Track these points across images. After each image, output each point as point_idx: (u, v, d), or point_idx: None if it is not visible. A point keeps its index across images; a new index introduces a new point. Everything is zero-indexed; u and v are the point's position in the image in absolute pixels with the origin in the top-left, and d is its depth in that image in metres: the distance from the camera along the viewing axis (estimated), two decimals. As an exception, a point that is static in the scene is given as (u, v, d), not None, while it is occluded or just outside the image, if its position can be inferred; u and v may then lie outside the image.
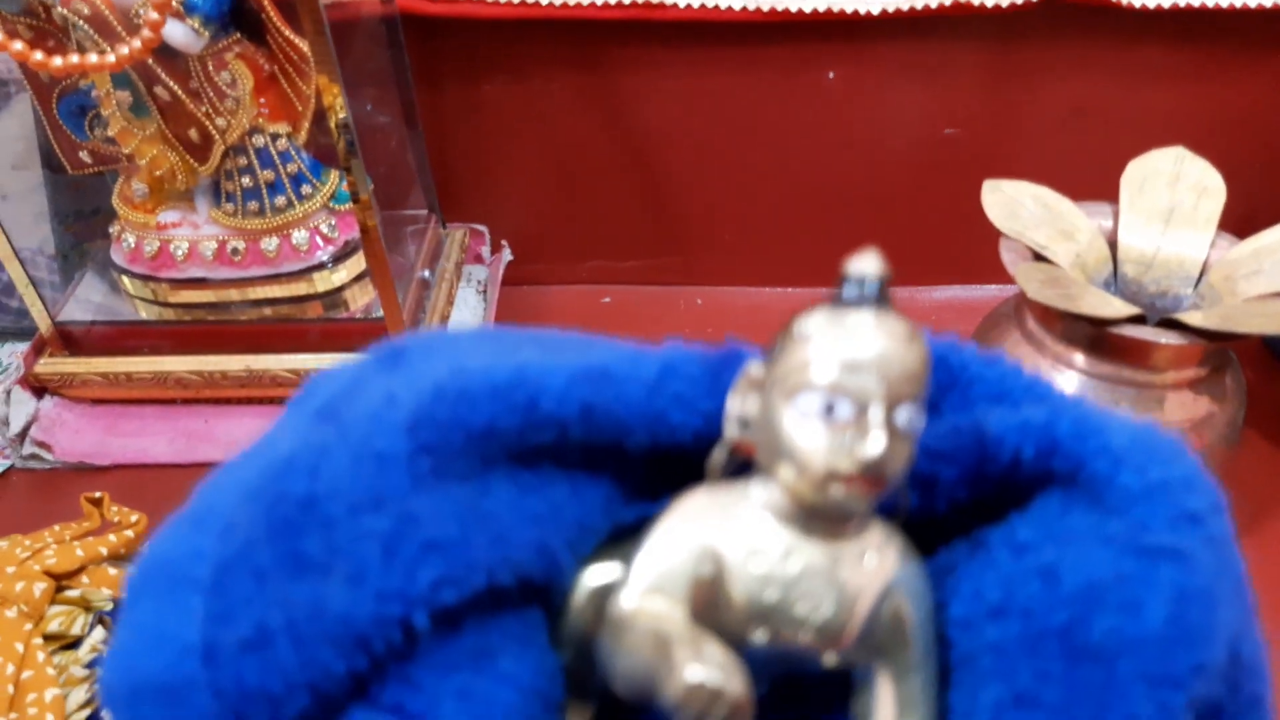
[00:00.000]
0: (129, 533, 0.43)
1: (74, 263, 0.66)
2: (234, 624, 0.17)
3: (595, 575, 0.22)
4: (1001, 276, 0.45)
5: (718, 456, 0.21)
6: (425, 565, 0.18)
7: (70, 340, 0.55)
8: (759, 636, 0.20)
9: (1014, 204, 0.46)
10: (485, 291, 0.64)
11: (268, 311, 0.55)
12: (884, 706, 0.21)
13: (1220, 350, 0.43)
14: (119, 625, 0.18)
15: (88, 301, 0.57)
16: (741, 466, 0.21)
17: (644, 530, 0.21)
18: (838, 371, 0.19)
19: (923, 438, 0.22)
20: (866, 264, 0.21)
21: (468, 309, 0.62)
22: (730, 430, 0.21)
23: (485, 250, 0.66)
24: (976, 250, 0.61)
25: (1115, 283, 0.47)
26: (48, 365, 0.55)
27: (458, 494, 0.19)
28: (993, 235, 0.46)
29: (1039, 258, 0.45)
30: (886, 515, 0.22)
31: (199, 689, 0.17)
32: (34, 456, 0.54)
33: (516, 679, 0.19)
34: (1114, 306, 0.41)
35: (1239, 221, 0.47)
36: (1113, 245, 0.47)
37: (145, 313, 0.56)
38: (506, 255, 0.65)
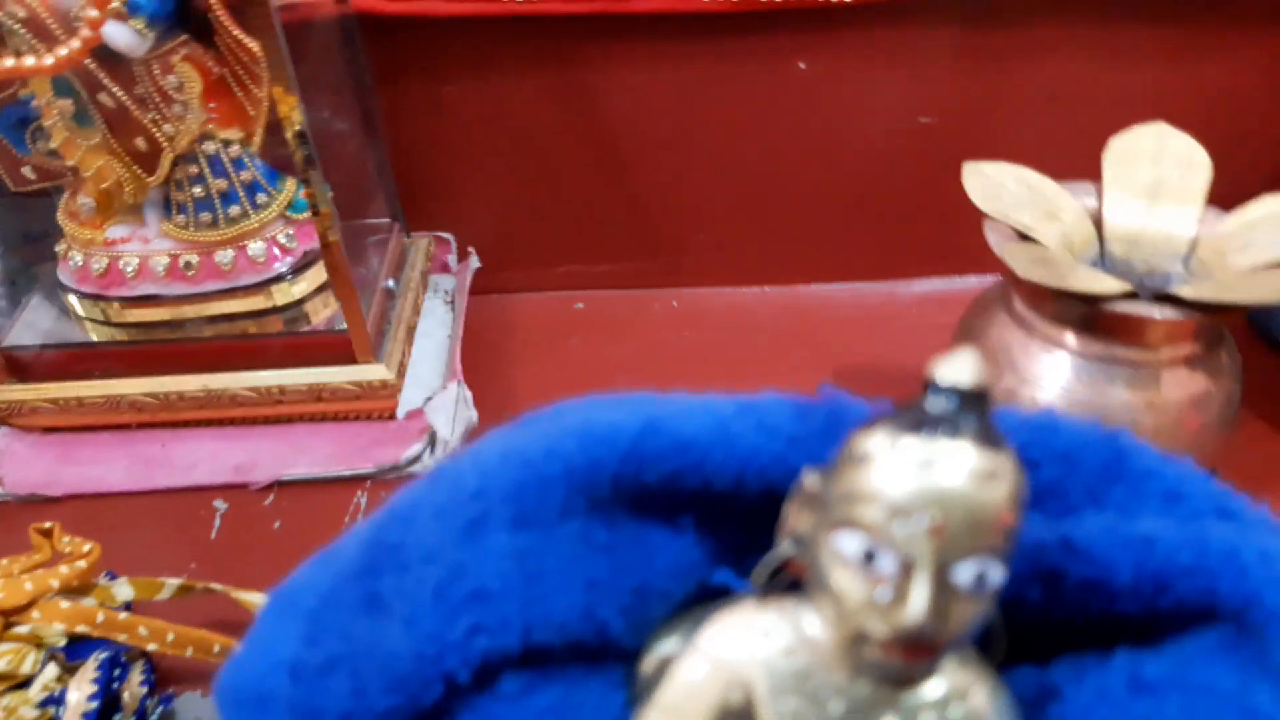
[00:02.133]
0: (81, 563, 0.41)
1: (22, 288, 0.63)
2: (317, 650, 0.20)
3: (667, 645, 0.20)
4: (984, 266, 0.44)
5: (762, 571, 0.19)
6: (466, 613, 0.19)
7: (17, 366, 0.53)
8: None
9: (996, 186, 0.45)
10: (453, 301, 0.62)
11: (225, 328, 0.53)
12: None
13: (1215, 325, 0.42)
14: (245, 637, 0.21)
15: (35, 326, 0.54)
16: (796, 582, 0.19)
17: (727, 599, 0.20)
18: (883, 514, 0.16)
19: (1074, 537, 0.19)
20: (959, 369, 0.17)
21: (435, 320, 0.60)
22: (783, 546, 0.19)
23: (452, 259, 0.64)
24: (958, 241, 0.60)
25: (1103, 262, 0.45)
26: (-6, 393, 0.53)
27: (524, 551, 0.20)
28: (974, 224, 0.44)
29: (1024, 239, 0.44)
30: (979, 647, 0.18)
31: (281, 702, 0.19)
32: (-18, 489, 0.52)
33: (601, 711, 0.20)
34: (1106, 283, 0.39)
35: (1224, 198, 0.46)
36: (1098, 224, 0.46)
37: (96, 334, 0.53)
38: (474, 263, 0.63)
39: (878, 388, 0.39)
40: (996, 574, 0.16)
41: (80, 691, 0.35)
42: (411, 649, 0.19)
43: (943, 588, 0.16)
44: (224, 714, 0.20)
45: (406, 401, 0.54)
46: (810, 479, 0.18)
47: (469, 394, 0.54)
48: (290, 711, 0.19)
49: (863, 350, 0.60)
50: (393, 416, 0.53)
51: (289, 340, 0.52)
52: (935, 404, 0.17)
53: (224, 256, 0.51)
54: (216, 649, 0.40)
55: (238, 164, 0.50)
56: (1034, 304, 0.43)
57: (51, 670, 0.37)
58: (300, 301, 0.53)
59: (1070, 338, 0.42)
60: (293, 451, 0.52)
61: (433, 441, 0.52)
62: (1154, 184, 0.45)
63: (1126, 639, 0.19)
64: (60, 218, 0.52)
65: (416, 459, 0.51)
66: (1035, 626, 0.20)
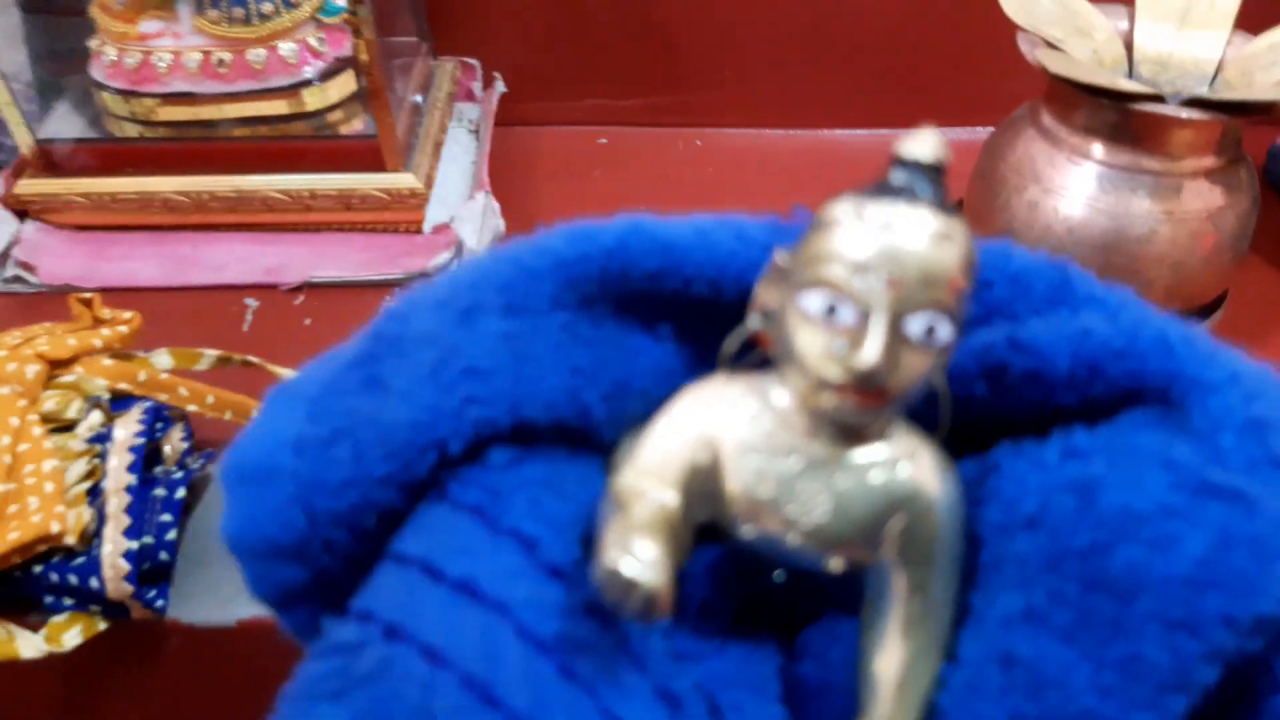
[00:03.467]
0: (123, 328, 0.42)
1: (51, 99, 0.64)
2: (320, 425, 0.20)
3: (634, 436, 0.21)
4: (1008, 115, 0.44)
5: (730, 344, 0.21)
6: (459, 387, 0.20)
7: (51, 161, 0.53)
8: (747, 531, 0.20)
9: (1030, 2, 0.45)
10: (478, 130, 0.62)
11: (257, 130, 0.53)
12: (893, 619, 0.19)
13: (1237, 141, 0.42)
14: (248, 424, 0.22)
15: (69, 120, 0.55)
16: (767, 359, 0.20)
17: None
18: (846, 270, 0.18)
19: (1018, 335, 0.20)
20: (920, 145, 0.18)
21: (460, 146, 0.61)
22: (751, 320, 0.20)
23: (477, 86, 0.64)
24: (985, 91, 0.60)
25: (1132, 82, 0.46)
26: (29, 186, 0.53)
27: (514, 334, 0.21)
28: (1001, 74, 0.44)
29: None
30: (923, 423, 0.20)
31: (284, 474, 0.20)
32: (17, 279, 0.53)
33: (578, 499, 0.21)
34: (1135, 85, 0.40)
35: (1252, 23, 0.46)
36: (1129, 47, 0.46)
37: (129, 131, 0.54)
38: (500, 88, 0.63)
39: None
40: (945, 329, 0.18)
41: (127, 430, 0.37)
42: (408, 419, 0.20)
43: (895, 336, 0.18)
44: (229, 491, 0.21)
45: (433, 218, 0.55)
46: (781, 254, 0.20)
47: (496, 205, 0.54)
48: (294, 482, 0.20)
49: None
50: (419, 229, 0.54)
51: (321, 144, 0.53)
52: (898, 176, 0.18)
53: (256, 55, 0.51)
54: (255, 413, 0.41)
55: (272, -40, 0.50)
56: (1062, 115, 0.43)
57: (96, 416, 0.38)
58: (330, 108, 0.54)
59: (1097, 148, 0.42)
60: (322, 257, 0.53)
61: (460, 251, 0.53)
62: (1184, 7, 0.46)
63: (1064, 426, 0.20)
64: (93, 10, 0.52)
65: (444, 267, 0.53)
66: (982, 423, 0.21)
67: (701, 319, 0.22)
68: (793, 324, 0.18)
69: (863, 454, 0.19)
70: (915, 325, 0.18)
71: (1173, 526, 0.17)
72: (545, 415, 0.21)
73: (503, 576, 0.19)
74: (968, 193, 0.49)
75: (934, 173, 0.18)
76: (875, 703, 0.19)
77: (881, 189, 0.18)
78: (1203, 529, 0.17)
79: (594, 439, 0.22)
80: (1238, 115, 0.39)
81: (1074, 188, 0.43)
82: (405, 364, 0.21)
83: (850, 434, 0.19)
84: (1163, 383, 0.19)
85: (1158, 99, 0.40)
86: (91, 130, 0.54)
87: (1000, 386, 0.21)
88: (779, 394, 0.19)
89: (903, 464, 0.19)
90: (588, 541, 0.20)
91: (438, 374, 0.20)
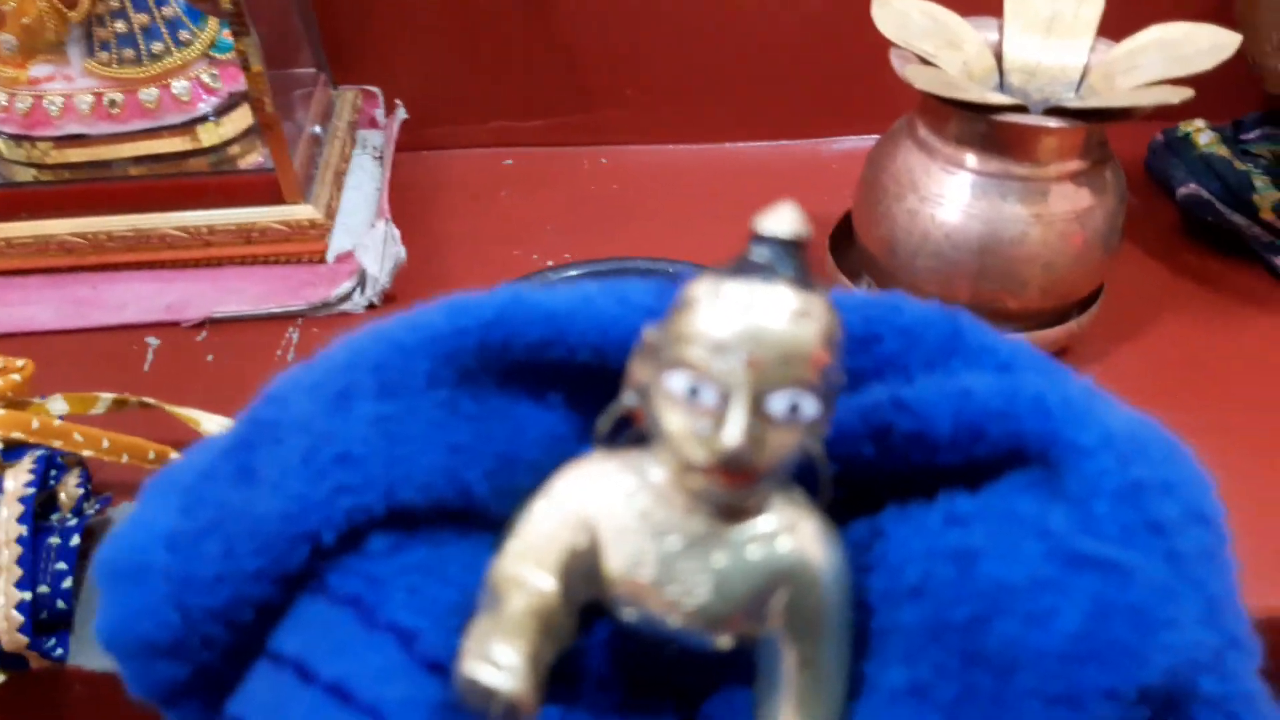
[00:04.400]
0: (15, 376, 0.42)
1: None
2: (192, 519, 0.20)
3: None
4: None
5: (604, 422, 0.20)
6: (330, 475, 0.20)
7: (-57, 208, 0.53)
8: (629, 614, 0.19)
9: (903, 17, 0.47)
10: (381, 156, 0.63)
11: (153, 169, 0.53)
12: (786, 695, 0.19)
13: (1101, 144, 0.44)
14: (124, 521, 0.21)
15: (-42, 168, 0.54)
16: (641, 437, 0.20)
17: None
18: (706, 351, 0.18)
19: (901, 395, 0.20)
20: (778, 221, 0.19)
21: (364, 174, 0.61)
22: (627, 397, 0.20)
23: (379, 114, 0.64)
24: (878, 101, 0.62)
25: (1002, 91, 0.48)
26: (-80, 234, 0.53)
27: (388, 416, 0.20)
28: (892, 85, 0.46)
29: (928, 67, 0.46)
30: (808, 491, 0.20)
31: (156, 570, 0.20)
32: (-89, 329, 0.52)
33: (461, 583, 0.20)
34: (999, 98, 0.41)
35: (1115, 30, 0.48)
36: (998, 57, 0.48)
37: (23, 175, 0.53)
38: (401, 114, 0.64)
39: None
40: (809, 406, 0.18)
41: (17, 480, 0.36)
42: (278, 511, 0.20)
43: (759, 415, 0.18)
44: (102, 588, 0.21)
45: (337, 246, 0.55)
46: (650, 332, 0.20)
47: (397, 232, 0.55)
48: (166, 580, 0.20)
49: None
50: (322, 259, 0.55)
51: (217, 180, 0.53)
52: (757, 253, 0.18)
53: (148, 94, 0.51)
54: (152, 455, 0.41)
55: (159, -1, 0.50)
56: (936, 128, 0.45)
57: (-11, 471, 0.38)
58: (227, 144, 0.54)
59: (969, 157, 0.44)
60: (224, 292, 0.53)
61: (363, 280, 0.53)
62: (1050, 17, 0.47)
63: (949, 488, 0.20)
64: (-20, 56, 0.52)
65: (347, 296, 0.53)
66: (869, 485, 0.21)
67: (591, 385, 0.22)
68: (660, 404, 0.18)
69: (742, 530, 0.19)
70: (778, 404, 0.18)
71: (1047, 599, 0.17)
72: (422, 497, 0.20)
73: (377, 677, 0.19)
74: (855, 201, 0.51)
75: (793, 248, 0.19)
76: None
77: (741, 267, 0.18)
78: (1077, 601, 0.17)
79: (481, 516, 0.21)
80: (1098, 121, 0.41)
81: (949, 196, 0.44)
82: (278, 452, 0.20)
83: (728, 511, 0.19)
84: (1041, 445, 0.19)
85: (1021, 109, 0.42)
86: (-17, 176, 0.53)
87: (886, 447, 0.20)
88: (655, 471, 0.19)
89: (783, 537, 0.19)
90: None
91: (308, 462, 0.20)
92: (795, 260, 0.19)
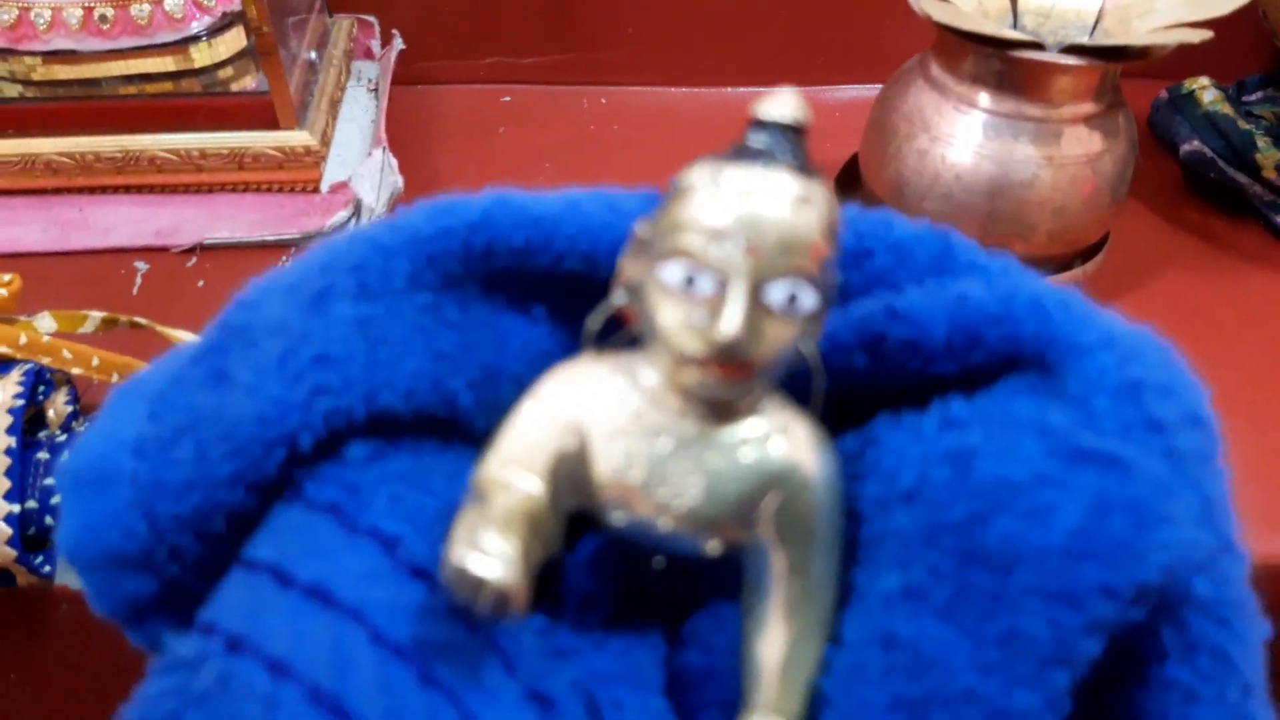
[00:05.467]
0: (2, 291, 0.41)
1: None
2: (161, 424, 0.19)
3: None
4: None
5: (594, 321, 0.20)
6: (308, 377, 0.19)
7: (-76, 123, 0.51)
8: (618, 517, 0.19)
9: (918, -47, 0.46)
10: (376, 88, 0.61)
11: (144, 88, 0.51)
12: (774, 601, 0.19)
13: (1115, 88, 0.44)
14: (87, 427, 0.21)
15: (-59, 81, 0.52)
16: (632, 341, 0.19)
17: None
18: (703, 239, 0.17)
19: (895, 304, 0.20)
20: (778, 106, 0.18)
21: (359, 106, 0.60)
22: (616, 296, 0.19)
23: (375, 45, 0.63)
24: (880, 48, 0.61)
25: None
26: (-100, 149, 0.51)
27: (368, 319, 0.20)
28: (896, 32, 0.45)
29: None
30: (797, 395, 0.19)
31: (122, 477, 0.19)
32: (-109, 246, 0.51)
33: (444, 494, 0.20)
34: (1015, 34, 0.41)
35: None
36: (1013, 0, 0.47)
37: (9, 92, 0.52)
38: (398, 44, 0.62)
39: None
40: (808, 297, 0.17)
41: (5, 392, 0.35)
42: (253, 413, 0.19)
43: (756, 305, 0.17)
44: (64, 497, 0.20)
45: (330, 176, 0.54)
46: (641, 226, 0.19)
47: (394, 160, 0.54)
48: (133, 487, 0.19)
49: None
50: (316, 189, 0.53)
51: (210, 101, 0.52)
52: (756, 139, 0.18)
53: (140, 10, 0.49)
54: (143, 374, 0.40)
55: (152, -91, 0.48)
56: (950, 66, 0.44)
57: (-25, 382, 0.37)
58: (219, 66, 0.52)
59: (982, 96, 0.43)
60: (215, 219, 0.52)
61: (358, 210, 0.52)
62: (1068, -41, 0.47)
63: (943, 397, 0.20)
64: (-36, -36, 0.50)
65: (342, 226, 0.52)
66: (862, 396, 0.21)
67: (576, 297, 0.21)
68: (653, 297, 0.18)
69: (734, 431, 0.18)
70: (776, 293, 0.17)
71: (1048, 495, 0.17)
72: (405, 404, 0.20)
73: (358, 579, 0.18)
74: (862, 144, 0.50)
75: (793, 134, 0.18)
76: (758, 689, 0.19)
77: (739, 153, 0.18)
78: (1078, 497, 0.17)
79: (464, 429, 0.21)
80: (1114, 60, 0.41)
81: (961, 135, 0.44)
82: (252, 355, 0.19)
83: (720, 411, 0.18)
84: (1038, 348, 0.19)
85: (1038, 46, 0.41)
86: (-34, 90, 0.52)
87: (879, 357, 0.20)
88: (647, 372, 0.19)
89: (775, 440, 0.19)
90: None
91: (285, 364, 0.19)
92: (795, 146, 0.18)
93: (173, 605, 0.20)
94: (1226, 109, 0.59)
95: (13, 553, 0.33)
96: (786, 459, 0.19)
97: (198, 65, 0.52)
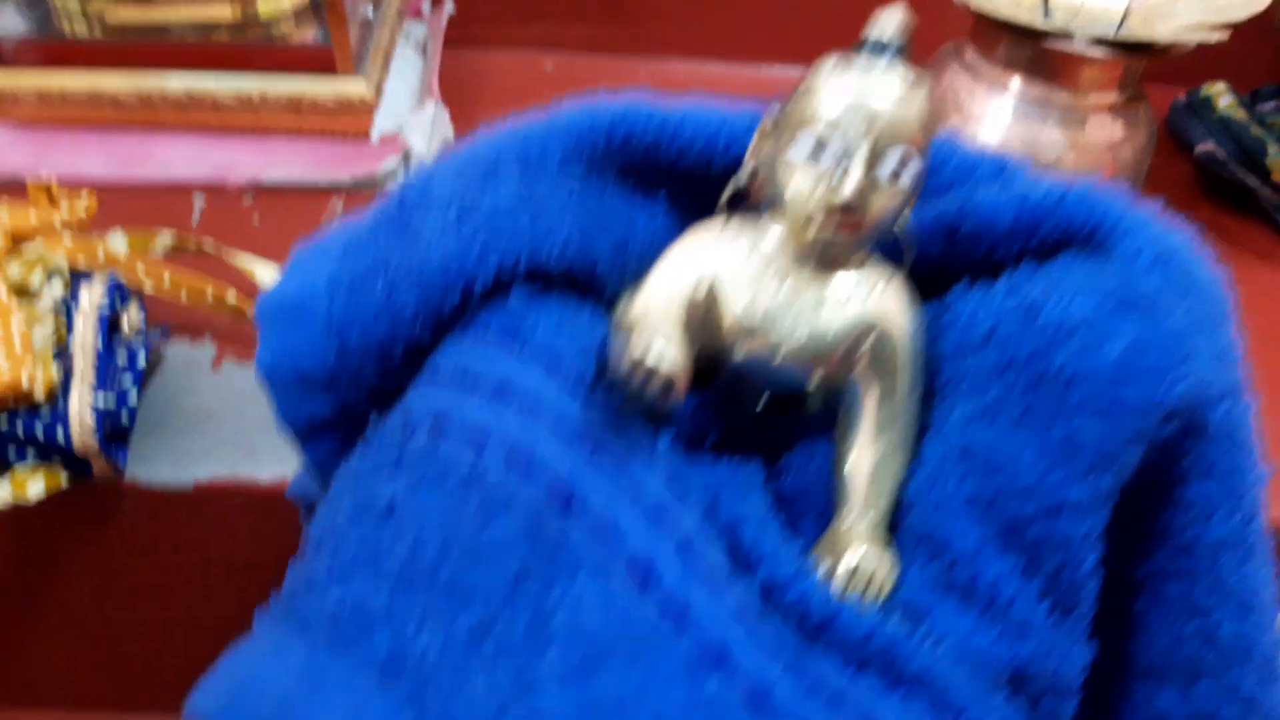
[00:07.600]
0: (81, 206, 0.43)
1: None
2: (354, 264, 0.23)
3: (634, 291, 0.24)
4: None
5: (726, 195, 0.24)
6: (482, 234, 0.23)
7: (2, 55, 0.53)
8: (740, 354, 0.23)
9: (959, -57, 0.48)
10: (425, 48, 0.64)
11: (210, 37, 0.54)
12: (865, 424, 0.23)
13: (1137, 81, 0.46)
14: (281, 273, 0.24)
15: (19, 16, 0.54)
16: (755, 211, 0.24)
17: None
18: (828, 116, 0.21)
19: (966, 202, 0.24)
20: (887, 21, 0.23)
21: (406, 64, 0.62)
22: (743, 174, 0.24)
23: (425, 6, 0.65)
24: (923, 33, 0.63)
25: (1047, 25, 0.49)
26: (-26, 76, 0.53)
27: (529, 194, 0.24)
28: (936, 17, 0.47)
29: None
30: (892, 260, 0.24)
31: (319, 309, 0.23)
32: (-39, 168, 0.53)
33: (590, 336, 0.24)
34: (1048, 24, 0.43)
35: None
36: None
37: (80, 31, 0.54)
38: (448, 8, 0.65)
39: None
40: (914, 166, 0.22)
41: (92, 296, 0.38)
42: (437, 260, 0.23)
43: (869, 176, 0.21)
44: (264, 328, 0.23)
45: (380, 128, 0.56)
46: (767, 119, 0.23)
47: (446, 112, 0.56)
48: (328, 316, 0.23)
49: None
50: (367, 137, 0.56)
51: (272, 48, 0.54)
52: (870, 47, 0.22)
53: (213, -44, 0.52)
54: (210, 295, 0.43)
55: None
56: (985, 51, 0.47)
57: (59, 285, 0.39)
58: (282, 19, 0.54)
59: (1015, 80, 0.46)
60: (270, 161, 0.54)
61: (407, 159, 0.55)
62: (1100, -42, 0.49)
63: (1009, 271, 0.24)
64: (47, -98, 0.52)
65: (392, 173, 0.54)
66: (936, 278, 0.25)
67: (692, 190, 0.26)
68: (781, 171, 0.22)
69: (839, 283, 0.23)
70: (888, 164, 0.21)
71: (1099, 333, 0.21)
72: (558, 263, 0.24)
73: (532, 383, 0.22)
74: (894, 123, 0.52)
75: (899, 50, 0.22)
76: (850, 495, 0.23)
77: (856, 57, 0.22)
78: (1122, 335, 0.21)
79: (599, 290, 0.25)
80: (1138, 55, 0.43)
81: (992, 118, 0.46)
82: (432, 216, 0.23)
83: (830, 265, 0.23)
84: (1090, 228, 0.23)
85: (1068, 37, 0.44)
86: (43, 27, 0.54)
87: (953, 243, 0.24)
88: (769, 234, 0.23)
89: (874, 292, 0.23)
90: (601, 371, 0.23)
91: (462, 222, 0.23)
92: (902, 53, 0.22)
93: (343, 427, 0.23)
94: (1241, 115, 0.62)
95: (96, 442, 0.35)
96: (881, 306, 0.23)
97: (263, 16, 0.54)
